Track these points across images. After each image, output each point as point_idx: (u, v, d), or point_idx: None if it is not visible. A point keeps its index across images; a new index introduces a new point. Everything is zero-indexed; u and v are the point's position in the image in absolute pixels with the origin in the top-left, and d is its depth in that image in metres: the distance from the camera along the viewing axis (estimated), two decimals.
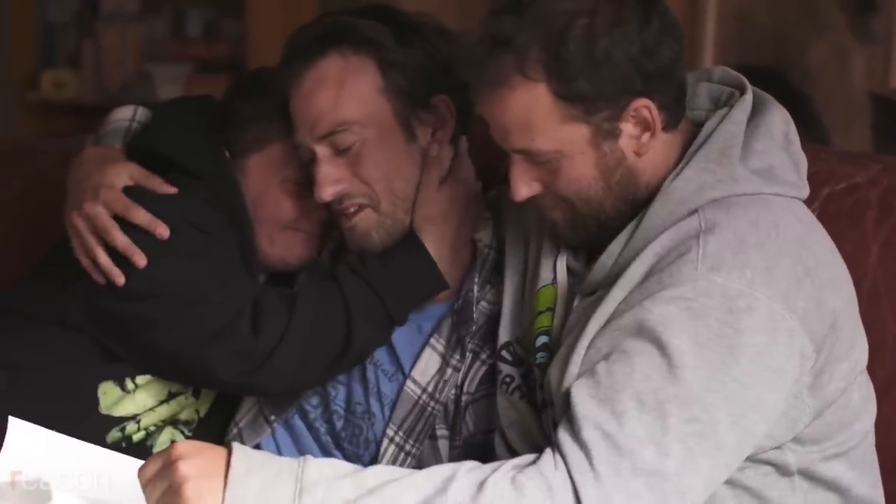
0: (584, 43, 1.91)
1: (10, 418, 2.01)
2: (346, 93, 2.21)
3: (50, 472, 1.95)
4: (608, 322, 1.93)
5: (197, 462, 1.76)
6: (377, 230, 2.26)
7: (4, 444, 1.98)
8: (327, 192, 2.23)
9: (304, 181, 2.32)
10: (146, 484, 1.80)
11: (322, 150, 2.23)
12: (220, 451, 1.79)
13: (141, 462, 2.01)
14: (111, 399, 2.31)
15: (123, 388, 2.31)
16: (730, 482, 1.93)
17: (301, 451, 2.36)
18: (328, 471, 1.79)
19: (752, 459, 1.93)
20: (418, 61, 2.23)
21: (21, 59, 5.78)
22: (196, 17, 5.54)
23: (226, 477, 1.76)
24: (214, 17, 5.50)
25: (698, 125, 2.04)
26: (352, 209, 2.25)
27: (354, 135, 2.21)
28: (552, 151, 1.97)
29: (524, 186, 2.02)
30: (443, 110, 2.26)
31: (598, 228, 2.03)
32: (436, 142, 2.26)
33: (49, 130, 5.58)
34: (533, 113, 1.95)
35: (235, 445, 1.79)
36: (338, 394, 2.36)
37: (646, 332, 1.85)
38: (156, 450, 2.34)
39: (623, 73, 1.92)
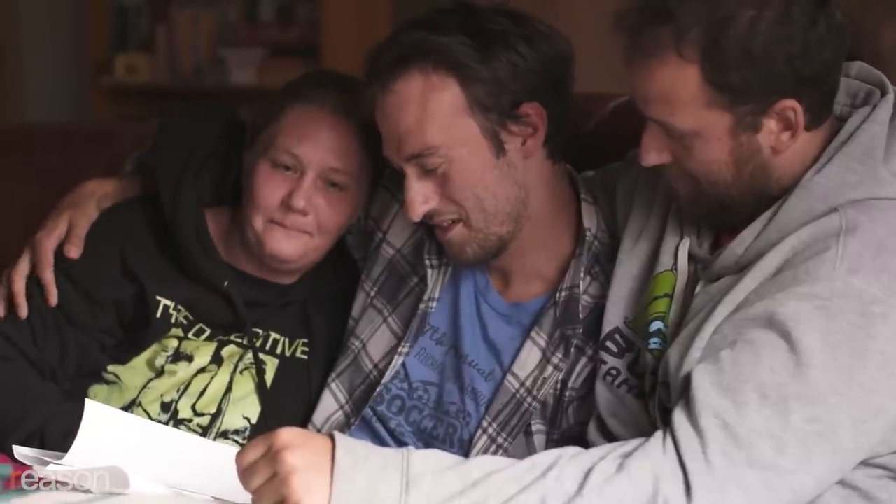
0: (746, 36, 1.89)
1: (87, 401, 2.01)
2: (430, 115, 2.16)
3: (127, 454, 1.95)
4: (736, 310, 1.92)
5: (304, 453, 1.74)
6: (469, 245, 2.24)
7: (81, 427, 1.98)
8: (416, 213, 2.21)
9: (290, 169, 2.31)
10: (245, 469, 1.76)
11: (410, 169, 2.20)
12: (325, 442, 1.76)
13: (215, 444, 2.02)
14: (102, 397, 2.36)
15: (106, 381, 2.39)
16: (840, 481, 1.90)
17: None
18: (433, 462, 1.77)
19: (865, 463, 1.91)
20: (502, 73, 2.16)
21: (95, 43, 5.82)
22: (269, 1, 5.54)
23: (332, 470, 1.73)
24: (288, 1, 5.50)
25: (836, 119, 2.01)
26: (445, 223, 2.23)
27: (441, 157, 2.17)
28: (689, 131, 1.96)
29: (654, 154, 2.01)
30: (533, 117, 2.20)
31: (719, 209, 2.02)
32: (526, 150, 2.21)
33: (122, 114, 5.61)
34: (679, 91, 1.93)
35: (338, 437, 1.76)
36: (430, 397, 2.34)
37: (776, 326, 1.84)
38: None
39: (777, 72, 1.90)
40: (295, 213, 2.30)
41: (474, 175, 2.19)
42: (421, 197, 2.20)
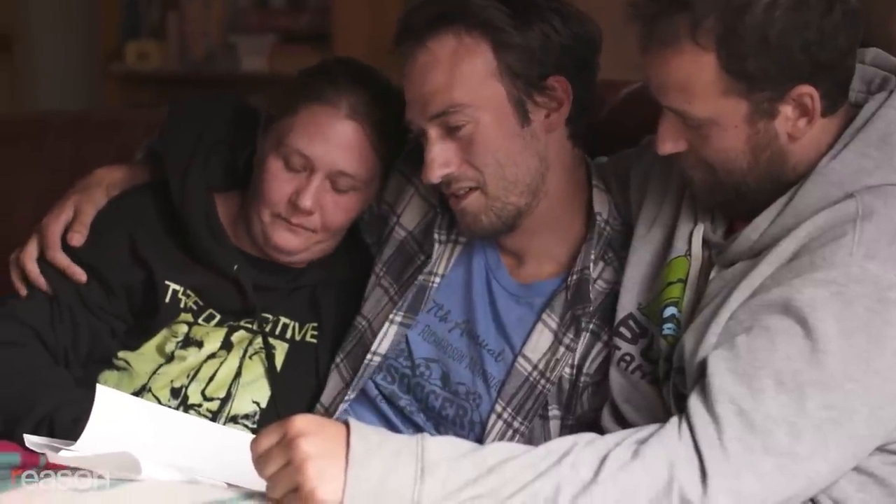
0: (762, 23, 1.89)
1: (98, 386, 2.01)
2: (460, 75, 2.18)
3: (139, 440, 1.95)
4: (752, 295, 1.92)
5: (318, 440, 1.74)
6: (486, 213, 2.24)
7: (92, 412, 1.98)
8: (435, 174, 2.21)
9: (300, 167, 2.31)
10: (260, 456, 1.77)
11: (433, 130, 2.21)
12: (339, 429, 1.76)
13: (228, 429, 2.01)
14: (112, 383, 2.36)
15: (116, 367, 2.40)
16: (856, 468, 1.90)
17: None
18: (448, 449, 1.77)
19: (881, 449, 1.91)
20: (534, 43, 2.18)
21: (105, 30, 5.81)
22: None
23: (346, 457, 1.73)
24: None
25: (852, 106, 2.01)
26: (461, 191, 2.23)
27: (466, 116, 2.19)
28: (706, 119, 1.96)
29: (670, 142, 2.02)
30: (559, 92, 2.22)
31: (735, 196, 2.02)
32: (549, 124, 2.23)
33: (133, 101, 5.61)
34: (695, 79, 1.94)
35: (352, 423, 1.77)
36: (431, 373, 2.34)
37: (792, 312, 1.84)
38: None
39: (794, 59, 1.91)
40: (301, 211, 2.31)
41: (497, 141, 2.20)
42: (441, 159, 2.21)
